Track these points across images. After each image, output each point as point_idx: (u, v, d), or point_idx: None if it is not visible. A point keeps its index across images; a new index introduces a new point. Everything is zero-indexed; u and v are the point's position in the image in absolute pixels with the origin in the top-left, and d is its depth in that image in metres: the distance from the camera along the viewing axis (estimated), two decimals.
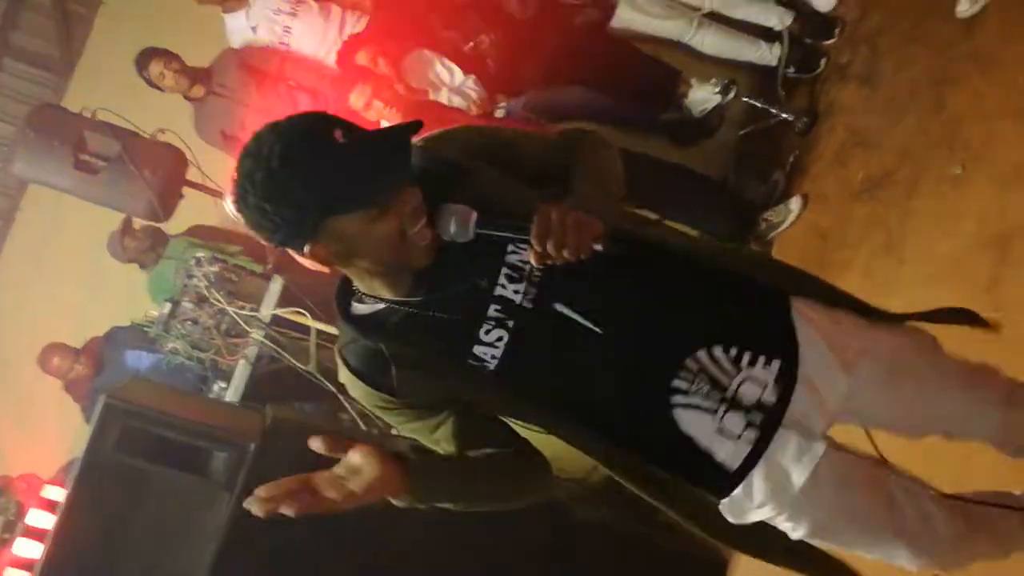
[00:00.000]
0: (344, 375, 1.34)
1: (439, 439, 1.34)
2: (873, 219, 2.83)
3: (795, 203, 3.21)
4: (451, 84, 3.34)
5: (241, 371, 3.53)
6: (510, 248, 1.27)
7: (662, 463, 1.36)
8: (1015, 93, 2.43)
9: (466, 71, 3.22)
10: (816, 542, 1.44)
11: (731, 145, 3.56)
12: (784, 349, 1.33)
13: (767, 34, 3.38)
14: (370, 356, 1.29)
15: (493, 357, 1.29)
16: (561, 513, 2.70)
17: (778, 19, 3.32)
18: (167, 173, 3.34)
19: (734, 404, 1.30)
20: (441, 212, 1.22)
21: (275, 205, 1.15)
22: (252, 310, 3.52)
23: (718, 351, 1.30)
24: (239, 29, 3.44)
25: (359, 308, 1.34)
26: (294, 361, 3.53)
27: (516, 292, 1.27)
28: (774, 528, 1.41)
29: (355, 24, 3.40)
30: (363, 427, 3.68)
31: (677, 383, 1.30)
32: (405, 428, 1.37)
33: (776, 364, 1.32)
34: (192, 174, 3.45)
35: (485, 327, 1.28)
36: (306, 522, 2.57)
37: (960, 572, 1.55)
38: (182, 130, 3.43)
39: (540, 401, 1.33)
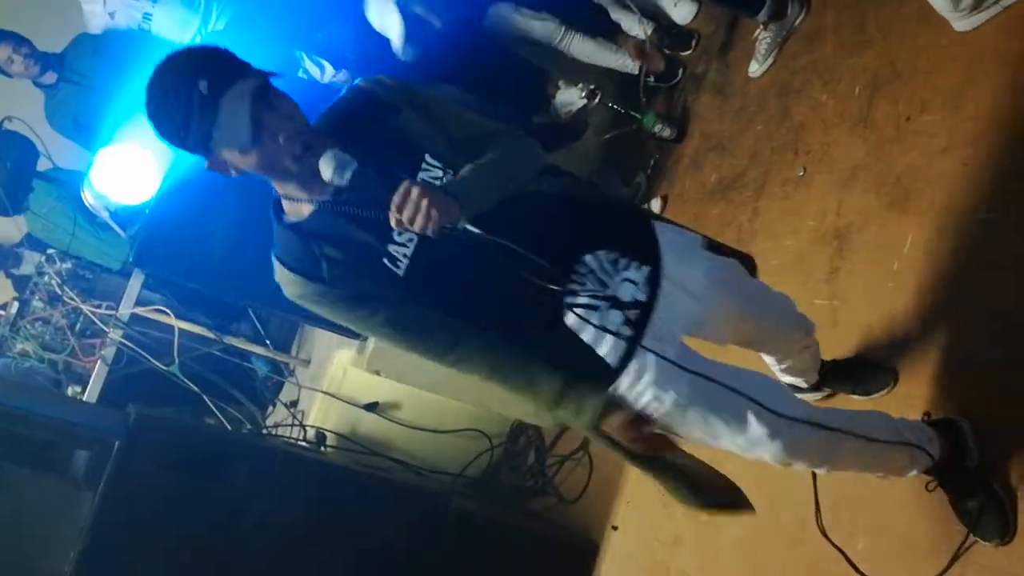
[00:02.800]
0: (280, 275, 1.50)
1: (377, 326, 1.51)
2: (726, 217, 3.04)
3: (656, 204, 3.39)
4: (321, 80, 3.32)
5: (98, 373, 3.38)
6: (423, 165, 1.46)
7: (553, 362, 1.52)
8: (850, 102, 2.67)
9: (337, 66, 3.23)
10: (676, 425, 1.58)
11: (596, 149, 3.71)
12: (650, 256, 1.57)
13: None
14: (303, 254, 1.47)
15: (405, 256, 1.47)
16: (438, 504, 2.74)
17: (640, 29, 3.50)
18: (15, 164, 3.17)
19: (616, 302, 1.52)
20: (327, 153, 1.37)
21: (163, 134, 1.38)
22: (109, 308, 3.37)
23: (601, 254, 1.53)
24: (96, 14, 3.30)
25: (291, 217, 1.50)
26: (156, 362, 3.40)
27: None
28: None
29: (219, 12, 3.32)
30: (229, 428, 3.59)
31: (571, 285, 1.50)
32: (345, 319, 1.51)
33: (646, 268, 1.55)
34: (43, 165, 3.28)
35: (397, 229, 1.41)
36: (172, 523, 2.47)
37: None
38: (31, 118, 3.26)
39: (443, 309, 1.49)
